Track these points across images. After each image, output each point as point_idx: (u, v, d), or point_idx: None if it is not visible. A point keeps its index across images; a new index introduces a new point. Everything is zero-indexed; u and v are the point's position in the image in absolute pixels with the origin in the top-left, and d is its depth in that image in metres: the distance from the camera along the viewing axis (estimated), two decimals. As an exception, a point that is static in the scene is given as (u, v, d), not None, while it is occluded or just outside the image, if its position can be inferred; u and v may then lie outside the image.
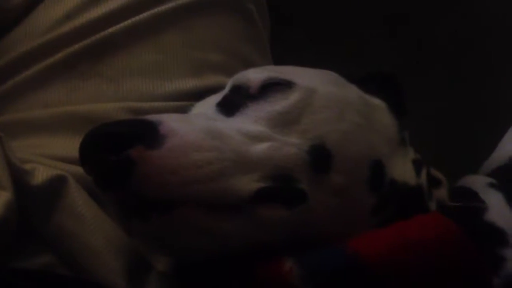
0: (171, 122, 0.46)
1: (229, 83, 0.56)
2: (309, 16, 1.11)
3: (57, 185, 0.54)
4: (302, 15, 1.11)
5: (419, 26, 1.12)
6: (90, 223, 0.54)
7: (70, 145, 0.58)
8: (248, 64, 0.67)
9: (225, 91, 0.56)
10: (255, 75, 0.54)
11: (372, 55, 1.09)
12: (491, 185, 0.58)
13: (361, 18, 1.11)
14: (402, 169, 0.55)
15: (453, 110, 1.05)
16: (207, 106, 0.56)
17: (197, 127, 0.47)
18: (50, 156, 0.58)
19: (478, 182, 0.59)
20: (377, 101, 0.58)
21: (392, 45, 1.11)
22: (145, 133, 0.44)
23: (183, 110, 0.59)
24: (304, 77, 0.54)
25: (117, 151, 0.43)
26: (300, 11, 1.10)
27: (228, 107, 0.53)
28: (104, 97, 0.62)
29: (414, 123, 0.60)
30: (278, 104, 0.51)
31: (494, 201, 0.54)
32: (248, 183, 0.46)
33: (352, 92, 0.56)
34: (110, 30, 0.64)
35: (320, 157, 0.49)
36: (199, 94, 0.61)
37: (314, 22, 1.10)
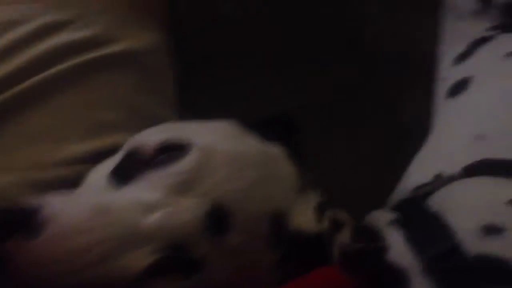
0: (53, 205, 0.45)
1: (124, 148, 0.55)
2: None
3: None
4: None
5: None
6: None
7: None
8: (149, 117, 0.65)
9: (119, 156, 0.55)
10: (149, 139, 0.53)
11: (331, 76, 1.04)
12: (394, 221, 0.57)
13: (319, 42, 1.05)
14: (304, 217, 0.55)
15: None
16: (100, 174, 0.54)
17: (83, 206, 0.46)
18: None
19: (381, 218, 0.58)
20: (276, 150, 0.58)
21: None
22: (22, 221, 0.43)
23: (82, 176, 0.57)
24: (203, 134, 0.54)
25: None
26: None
27: (122, 175, 0.52)
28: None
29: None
30: (174, 167, 0.50)
31: (394, 239, 0.54)
32: (140, 258, 0.46)
33: (251, 144, 0.56)
34: (2, 96, 0.61)
35: (218, 219, 0.49)
36: (98, 156, 0.59)
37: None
